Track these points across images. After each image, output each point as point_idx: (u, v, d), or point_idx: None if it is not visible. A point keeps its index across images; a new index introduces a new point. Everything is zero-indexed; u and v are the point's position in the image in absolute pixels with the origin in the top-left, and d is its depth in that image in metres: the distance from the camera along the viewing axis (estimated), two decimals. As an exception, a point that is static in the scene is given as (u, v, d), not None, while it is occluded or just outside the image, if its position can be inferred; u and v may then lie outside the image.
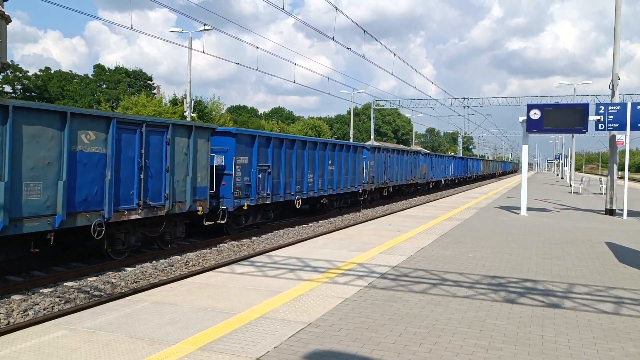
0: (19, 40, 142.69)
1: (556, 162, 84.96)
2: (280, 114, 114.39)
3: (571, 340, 5.30)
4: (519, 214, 17.89)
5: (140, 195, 11.62)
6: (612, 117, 17.11)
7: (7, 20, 18.47)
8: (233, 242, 15.16)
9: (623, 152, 18.46)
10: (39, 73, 79.44)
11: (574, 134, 39.03)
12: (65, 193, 9.79)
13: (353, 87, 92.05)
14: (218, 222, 14.70)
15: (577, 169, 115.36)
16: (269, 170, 16.66)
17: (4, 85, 69.98)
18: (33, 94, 74.18)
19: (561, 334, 5.46)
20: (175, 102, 48.81)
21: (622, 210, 17.73)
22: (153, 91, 73.84)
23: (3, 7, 18.09)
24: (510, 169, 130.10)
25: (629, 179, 20.11)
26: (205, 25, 29.06)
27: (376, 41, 25.93)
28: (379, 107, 63.51)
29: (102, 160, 10.70)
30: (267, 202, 16.79)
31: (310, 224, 19.58)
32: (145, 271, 11.39)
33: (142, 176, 11.64)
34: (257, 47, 24.13)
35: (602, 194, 28.07)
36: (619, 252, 10.60)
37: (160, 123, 12.49)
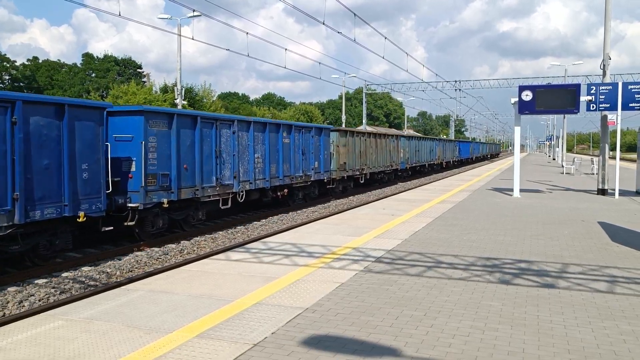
0: (5, 30, 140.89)
1: (547, 144, 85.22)
2: (271, 100, 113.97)
3: (566, 319, 5.34)
4: (511, 195, 17.96)
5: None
6: (603, 97, 17.13)
7: (-8, 9, 18.18)
8: (227, 229, 15.15)
9: (614, 132, 18.53)
10: (26, 63, 78.58)
11: (566, 115, 39.13)
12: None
13: (344, 71, 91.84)
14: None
15: (569, 150, 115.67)
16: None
17: (-9, 76, 69.24)
18: (21, 84, 73.38)
19: (556, 314, 5.50)
20: (165, 89, 48.44)
21: (614, 189, 17.84)
22: (143, 79, 73.20)
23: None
24: (481, 152, 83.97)
25: (621, 159, 20.20)
26: (194, 11, 28.78)
27: (367, 25, 25.66)
28: (370, 92, 63.36)
29: None
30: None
31: (304, 210, 19.59)
32: (140, 260, 11.37)
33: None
34: (247, 33, 23.95)
35: (593, 174, 28.24)
36: (611, 231, 10.67)
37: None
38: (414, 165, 37.88)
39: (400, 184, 33.09)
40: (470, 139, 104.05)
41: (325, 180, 22.29)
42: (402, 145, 34.27)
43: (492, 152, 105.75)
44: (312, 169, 20.76)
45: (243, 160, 16.08)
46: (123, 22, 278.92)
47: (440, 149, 47.94)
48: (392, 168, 32.15)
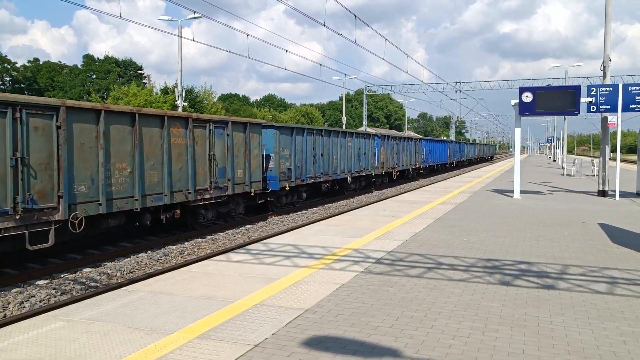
0: (7, 31, 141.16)
1: (548, 145, 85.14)
2: (272, 102, 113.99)
3: (566, 320, 5.35)
4: (512, 197, 17.96)
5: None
6: (603, 98, 17.14)
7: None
8: (228, 230, 15.16)
9: (615, 133, 18.53)
10: (27, 64, 78.65)
11: (566, 116, 39.12)
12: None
13: (345, 73, 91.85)
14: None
15: (569, 151, 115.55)
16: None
17: (-8, 77, 69.30)
18: (22, 85, 73.45)
19: (556, 315, 5.51)
20: (166, 91, 48.45)
21: (614, 191, 17.83)
22: (144, 81, 73.25)
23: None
24: (468, 156, 66.24)
25: (621, 160, 20.22)
26: (194, 12, 28.83)
27: (367, 26, 25.52)
28: (370, 93, 63.41)
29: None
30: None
31: (304, 211, 19.60)
32: (141, 261, 11.38)
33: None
34: (247, 35, 24.01)
35: (594, 175, 28.22)
36: (611, 232, 10.68)
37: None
38: (314, 180, 20.81)
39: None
40: (470, 140, 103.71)
41: None
42: (257, 144, 16.70)
43: (485, 154, 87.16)
44: None
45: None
46: (124, 24, 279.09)
47: (384, 150, 29.13)
48: (212, 195, 14.55)
